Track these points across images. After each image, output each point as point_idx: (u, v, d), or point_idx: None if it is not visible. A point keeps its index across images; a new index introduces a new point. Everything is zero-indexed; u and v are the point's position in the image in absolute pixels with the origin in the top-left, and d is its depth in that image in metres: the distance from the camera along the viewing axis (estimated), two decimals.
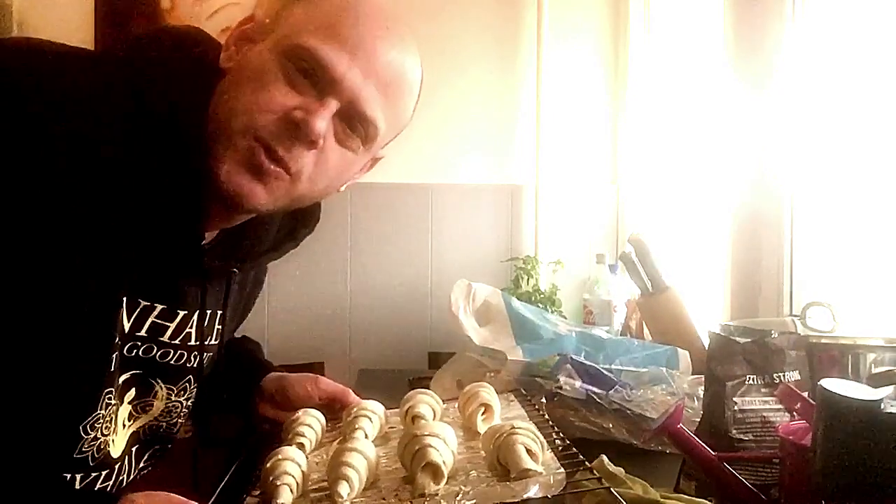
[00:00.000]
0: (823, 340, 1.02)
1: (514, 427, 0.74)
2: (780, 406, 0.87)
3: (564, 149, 2.24)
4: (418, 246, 2.20)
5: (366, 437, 0.86)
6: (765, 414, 0.88)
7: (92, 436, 0.78)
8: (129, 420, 0.85)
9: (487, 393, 0.92)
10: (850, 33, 1.34)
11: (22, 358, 0.70)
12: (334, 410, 1.01)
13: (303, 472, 0.76)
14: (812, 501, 0.70)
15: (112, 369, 0.77)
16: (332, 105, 0.75)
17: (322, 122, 0.74)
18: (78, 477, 0.79)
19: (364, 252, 2.19)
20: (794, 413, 0.83)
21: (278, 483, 0.73)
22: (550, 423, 0.88)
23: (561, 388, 1.19)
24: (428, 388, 1.48)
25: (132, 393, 0.83)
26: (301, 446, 0.85)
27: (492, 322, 1.51)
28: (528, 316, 1.51)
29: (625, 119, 2.22)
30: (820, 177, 1.40)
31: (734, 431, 0.87)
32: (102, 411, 0.78)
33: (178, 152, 0.74)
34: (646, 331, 1.77)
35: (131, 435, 0.86)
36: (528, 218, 2.23)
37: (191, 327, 0.85)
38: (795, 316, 1.23)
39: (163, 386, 0.86)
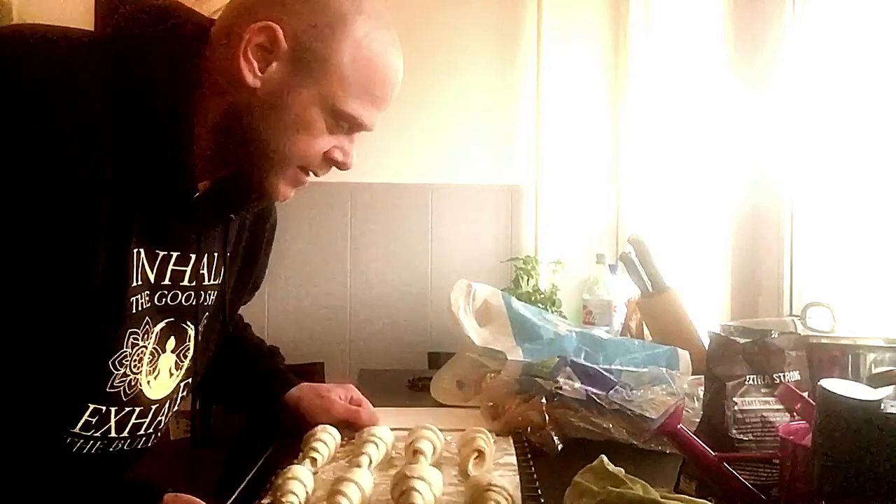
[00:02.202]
0: (823, 340, 1.02)
1: (490, 484, 0.82)
2: (780, 406, 0.87)
3: (564, 149, 2.24)
4: (418, 246, 2.20)
5: (370, 462, 0.95)
6: (765, 414, 0.88)
7: (121, 371, 0.88)
8: (177, 370, 0.97)
9: (483, 439, 0.99)
10: (851, 33, 1.34)
11: (49, 301, 0.79)
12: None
13: (307, 492, 0.85)
14: (812, 501, 0.70)
15: (135, 311, 0.87)
16: (357, 136, 0.94)
17: (354, 157, 0.95)
18: (112, 410, 0.89)
19: (364, 252, 2.19)
20: (794, 413, 0.83)
21: (284, 501, 0.82)
22: (534, 476, 0.94)
23: (561, 388, 1.19)
24: (427, 388, 1.49)
25: (172, 342, 0.95)
26: (314, 461, 0.95)
27: (492, 322, 1.51)
28: (528, 316, 1.51)
29: (625, 119, 2.22)
30: (820, 177, 1.40)
31: (734, 431, 0.87)
32: (128, 350, 0.88)
33: (163, 118, 0.84)
34: (646, 331, 1.77)
35: (177, 386, 0.98)
36: (528, 218, 2.23)
37: (203, 268, 0.97)
38: (795, 316, 1.22)
39: (191, 327, 0.98)
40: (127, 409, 0.91)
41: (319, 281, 2.17)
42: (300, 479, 0.85)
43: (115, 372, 0.88)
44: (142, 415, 0.93)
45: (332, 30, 0.86)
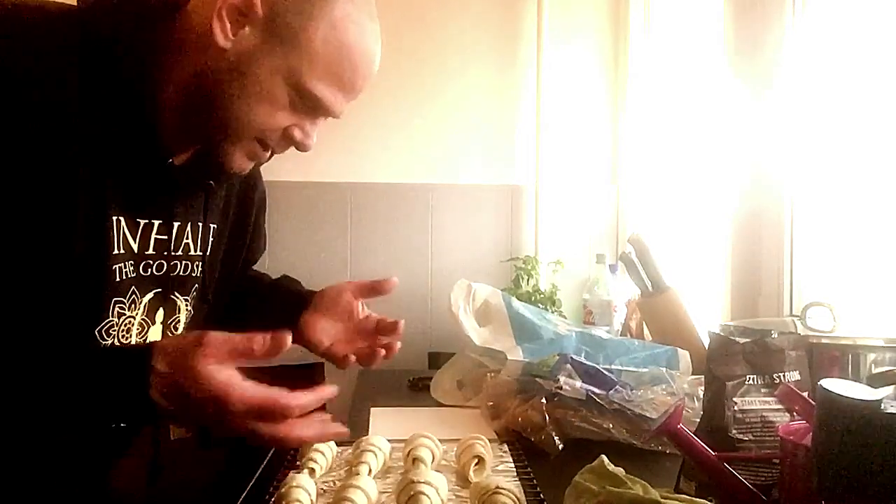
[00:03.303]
0: (823, 340, 1.02)
1: (498, 487, 0.83)
2: (780, 406, 0.87)
3: (564, 149, 2.24)
4: (418, 246, 2.20)
5: (370, 471, 0.96)
6: (765, 414, 0.88)
7: (109, 342, 0.88)
8: (125, 333, 0.93)
9: (482, 445, 1.00)
10: (851, 34, 1.34)
11: (32, 270, 0.80)
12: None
13: (311, 500, 0.86)
14: (812, 501, 0.70)
15: (119, 279, 0.87)
16: (321, 121, 0.92)
17: (313, 140, 0.91)
18: None
19: (364, 252, 2.19)
20: (794, 413, 0.83)
21: None
22: (533, 480, 0.95)
23: (561, 388, 1.19)
24: (427, 388, 1.49)
25: (161, 313, 0.95)
26: (312, 471, 0.95)
27: (492, 322, 1.51)
28: (528, 316, 1.51)
29: (625, 119, 2.22)
30: (820, 177, 1.40)
31: (734, 431, 0.87)
32: (115, 319, 0.89)
33: (128, 80, 0.84)
34: (646, 331, 1.78)
35: None
36: (528, 218, 2.23)
37: (187, 238, 0.97)
38: (795, 316, 1.23)
39: (181, 299, 0.98)
40: None
41: (319, 281, 2.16)
42: (304, 488, 0.85)
43: (103, 342, 0.88)
44: None
45: (311, 5, 0.85)
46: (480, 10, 2.21)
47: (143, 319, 0.92)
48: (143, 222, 0.90)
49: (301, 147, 0.91)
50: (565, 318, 1.85)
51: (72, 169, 0.80)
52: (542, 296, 2.05)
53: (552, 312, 1.90)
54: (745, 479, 0.81)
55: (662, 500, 0.71)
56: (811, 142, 1.40)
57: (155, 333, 0.94)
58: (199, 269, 1.00)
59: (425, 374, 1.63)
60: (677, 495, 0.74)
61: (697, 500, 0.72)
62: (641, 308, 1.75)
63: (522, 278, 2.09)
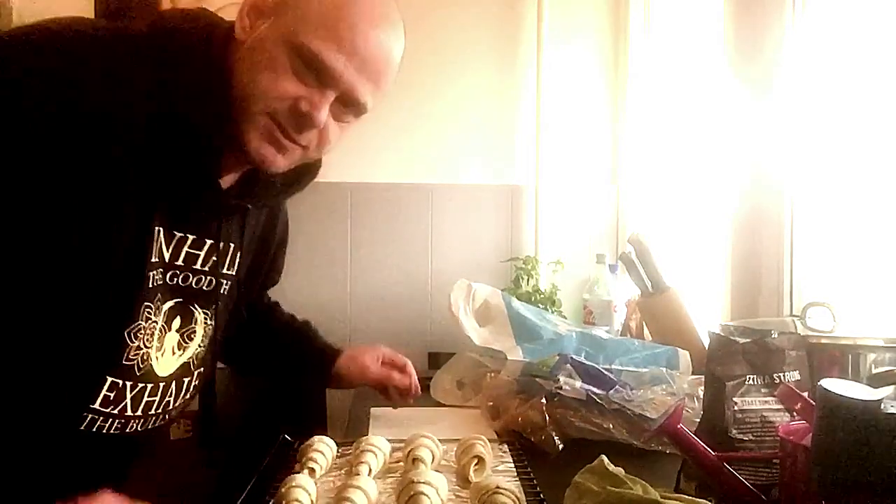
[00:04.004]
0: (823, 340, 1.02)
1: (498, 487, 0.83)
2: (780, 406, 0.87)
3: (564, 149, 2.24)
4: (418, 246, 2.20)
5: (370, 471, 0.96)
6: (765, 414, 0.88)
7: (136, 344, 0.91)
8: (179, 349, 0.99)
9: (482, 445, 1.00)
10: (851, 34, 1.34)
11: (72, 269, 0.83)
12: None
13: (312, 499, 0.86)
14: (812, 501, 0.70)
15: (150, 286, 0.91)
16: (331, 95, 0.90)
17: (323, 113, 0.90)
18: (128, 385, 0.92)
19: (364, 252, 2.19)
20: (794, 413, 0.83)
21: None
22: (533, 480, 0.95)
23: (561, 388, 1.19)
24: (427, 388, 1.49)
25: (178, 321, 0.98)
26: (312, 471, 0.96)
27: (492, 322, 1.51)
28: (528, 316, 1.51)
29: (625, 119, 2.22)
30: (820, 177, 1.40)
31: (734, 431, 0.87)
32: (143, 323, 0.91)
33: (199, 110, 0.88)
34: (646, 331, 1.77)
35: (182, 365, 0.99)
36: (528, 218, 2.23)
37: (216, 256, 1.00)
38: (795, 316, 1.22)
39: (200, 311, 1.00)
40: (140, 385, 0.93)
41: (319, 281, 2.17)
42: (304, 487, 0.85)
43: (130, 344, 0.90)
44: (152, 392, 0.96)
45: None
46: (480, 11, 2.21)
47: (162, 325, 0.95)
48: (178, 235, 0.94)
49: (310, 120, 0.89)
50: (565, 318, 1.85)
51: (125, 177, 0.84)
52: (542, 296, 2.05)
53: (552, 312, 1.90)
54: (745, 479, 0.81)
55: (662, 500, 0.71)
56: (811, 142, 1.40)
57: (171, 340, 0.97)
58: (225, 286, 1.03)
59: (425, 374, 1.63)
60: (677, 495, 0.75)
61: (697, 500, 0.72)
62: (641, 308, 1.75)
63: (522, 278, 2.09)
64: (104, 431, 0.92)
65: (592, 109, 2.26)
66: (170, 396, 0.99)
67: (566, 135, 2.24)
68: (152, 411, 0.97)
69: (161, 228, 0.91)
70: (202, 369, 1.04)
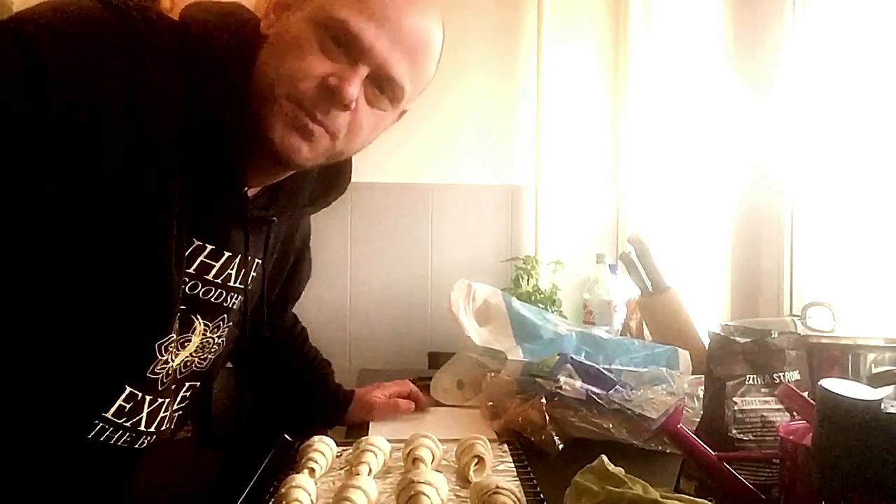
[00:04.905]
0: (823, 340, 1.02)
1: (498, 487, 0.83)
2: (780, 406, 0.87)
3: (564, 149, 2.24)
4: (418, 246, 2.20)
5: (370, 471, 0.96)
6: (765, 414, 0.88)
7: (164, 358, 0.89)
8: (175, 351, 0.94)
9: (482, 445, 0.99)
10: (851, 34, 1.34)
11: (113, 281, 0.80)
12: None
13: (312, 500, 0.85)
14: (812, 501, 0.70)
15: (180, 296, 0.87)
16: (363, 70, 0.84)
17: (354, 88, 0.83)
18: (147, 398, 0.90)
19: (364, 252, 2.19)
20: (794, 413, 0.83)
21: None
22: (533, 480, 0.95)
23: (561, 388, 1.19)
24: (427, 388, 1.49)
25: (175, 327, 0.92)
26: (312, 471, 0.95)
27: (492, 322, 1.51)
28: (528, 316, 1.51)
29: (625, 119, 2.22)
30: (820, 177, 1.40)
31: (734, 431, 0.87)
32: (175, 335, 0.89)
33: (227, 113, 0.83)
34: (646, 331, 1.77)
35: (173, 369, 0.95)
36: (528, 218, 2.23)
37: (232, 269, 0.95)
38: (795, 316, 1.22)
39: (201, 321, 0.96)
40: (159, 399, 0.92)
41: (320, 281, 2.17)
42: (304, 487, 0.85)
43: (159, 357, 0.88)
44: (168, 406, 0.94)
45: None
46: (480, 11, 2.21)
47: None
48: (197, 243, 0.90)
49: (339, 95, 0.82)
50: (565, 318, 1.85)
51: (169, 185, 0.81)
52: (542, 296, 2.05)
53: (552, 312, 1.90)
54: (745, 479, 0.81)
55: (662, 500, 0.71)
56: (811, 142, 1.40)
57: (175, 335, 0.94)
58: (235, 301, 0.98)
59: (425, 374, 1.63)
60: (677, 495, 0.74)
61: (697, 500, 0.72)
62: (641, 308, 1.75)
63: (522, 278, 2.09)
64: (111, 443, 0.89)
65: (592, 109, 2.26)
66: (166, 411, 0.96)
67: (566, 135, 2.24)
68: (164, 427, 0.95)
69: (184, 237, 0.87)
70: (190, 382, 1.00)
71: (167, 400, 0.94)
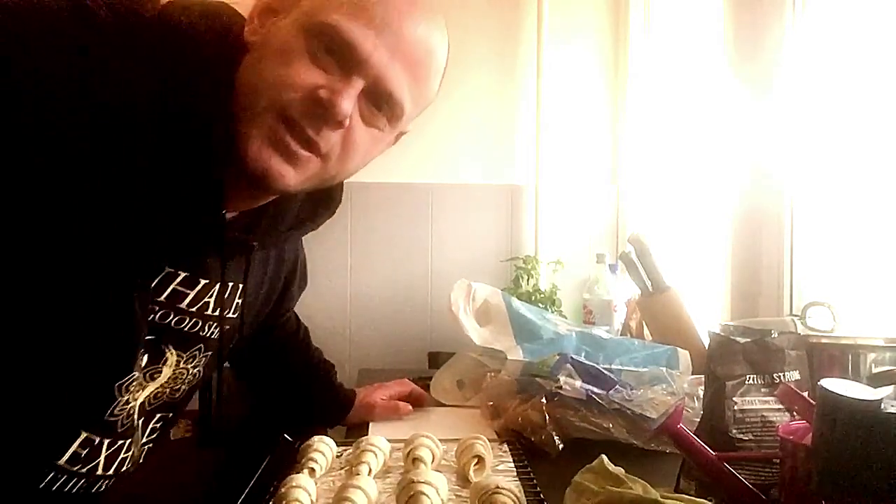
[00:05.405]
0: (823, 340, 1.02)
1: (498, 487, 0.82)
2: (780, 406, 0.87)
3: (564, 149, 2.24)
4: (418, 246, 2.20)
5: (370, 471, 0.96)
6: (765, 414, 0.88)
7: (124, 399, 0.80)
8: (139, 388, 0.85)
9: (482, 445, 0.99)
10: (851, 34, 1.34)
11: (66, 316, 0.71)
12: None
13: (311, 500, 0.85)
14: (812, 501, 0.70)
15: (145, 331, 0.78)
16: (358, 84, 0.74)
17: (348, 103, 0.73)
18: (105, 442, 0.81)
19: (364, 252, 2.19)
20: (794, 413, 0.83)
21: None
22: (533, 480, 0.95)
23: (561, 388, 1.19)
24: (427, 388, 1.49)
25: (144, 360, 0.83)
26: (312, 471, 0.95)
27: (492, 322, 1.51)
28: (528, 316, 1.51)
29: (625, 119, 2.22)
30: (820, 177, 1.40)
31: (734, 431, 0.87)
32: (137, 373, 0.80)
33: (202, 125, 0.73)
34: (646, 331, 1.77)
35: (139, 404, 0.86)
36: (528, 218, 2.23)
37: (210, 297, 0.85)
38: (795, 316, 1.22)
39: (174, 352, 0.86)
40: (120, 441, 0.83)
41: (319, 281, 2.17)
42: (304, 487, 0.85)
43: (119, 398, 0.79)
44: (129, 447, 0.85)
45: None
46: (480, 11, 2.21)
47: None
48: (168, 270, 0.80)
49: (331, 111, 0.72)
50: (565, 317, 1.85)
51: (136, 205, 0.71)
52: (542, 296, 2.05)
53: (552, 312, 1.90)
54: (745, 478, 0.81)
55: (662, 500, 0.71)
56: (811, 142, 1.40)
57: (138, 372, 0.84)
58: (214, 330, 0.89)
59: (425, 373, 1.63)
60: (677, 495, 0.74)
61: (697, 500, 0.72)
62: (641, 308, 1.75)
63: (522, 278, 2.09)
64: (65, 491, 0.79)
65: (592, 109, 2.26)
66: (134, 446, 0.87)
67: (566, 135, 2.24)
68: (125, 468, 0.86)
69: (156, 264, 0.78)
70: (161, 413, 0.91)
71: (128, 441, 0.84)
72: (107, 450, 0.81)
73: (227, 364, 1.01)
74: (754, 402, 0.89)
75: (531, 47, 2.21)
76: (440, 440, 1.04)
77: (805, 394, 0.82)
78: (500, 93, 2.23)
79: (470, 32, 2.20)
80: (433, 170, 2.21)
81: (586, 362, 1.27)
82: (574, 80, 2.24)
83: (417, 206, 2.20)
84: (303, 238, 1.13)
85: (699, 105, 1.84)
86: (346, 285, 2.19)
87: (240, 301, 0.92)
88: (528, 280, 2.09)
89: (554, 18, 2.20)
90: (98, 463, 0.81)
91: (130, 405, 0.81)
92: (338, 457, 1.04)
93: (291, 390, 1.32)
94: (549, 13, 2.19)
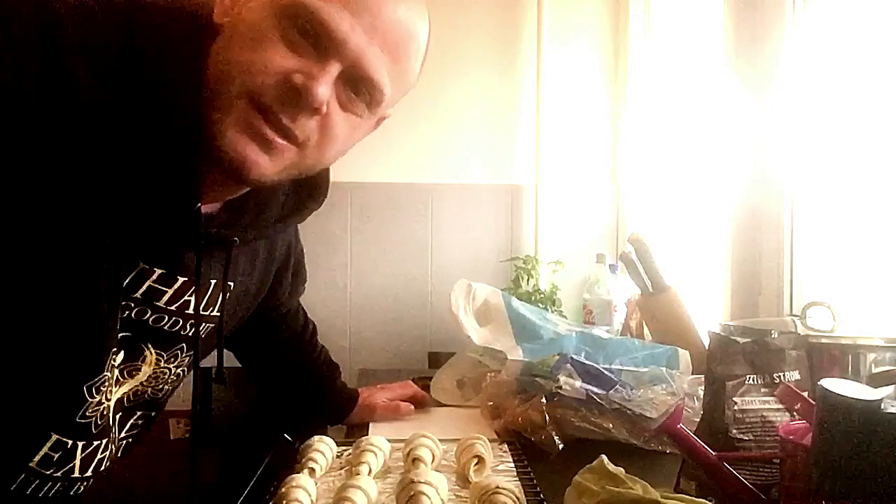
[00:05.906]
0: (823, 340, 1.02)
1: (498, 487, 0.83)
2: (780, 406, 0.87)
3: (564, 149, 2.24)
4: (418, 246, 2.20)
5: (370, 471, 0.96)
6: (765, 414, 0.88)
7: (97, 400, 0.77)
8: (115, 385, 0.83)
9: (482, 445, 0.99)
10: (851, 33, 1.34)
11: (31, 316, 0.69)
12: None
13: (312, 499, 0.85)
14: (812, 501, 0.70)
15: (117, 329, 0.76)
16: (334, 68, 0.71)
17: (324, 88, 0.70)
18: (80, 445, 0.79)
19: (364, 252, 2.19)
20: (794, 413, 0.83)
21: None
22: (533, 480, 0.95)
23: (561, 388, 1.19)
24: (427, 388, 1.49)
25: (120, 356, 0.81)
26: (312, 471, 0.95)
27: (492, 322, 1.51)
28: (528, 316, 1.51)
29: (625, 119, 2.22)
30: (820, 177, 1.40)
31: (734, 431, 0.87)
32: (108, 373, 0.77)
33: (172, 113, 0.70)
34: (646, 331, 1.77)
35: (116, 401, 0.84)
36: (528, 218, 2.23)
37: (190, 295, 0.82)
38: (795, 316, 1.22)
39: (153, 351, 0.84)
40: (95, 443, 0.80)
41: (319, 281, 2.17)
42: (304, 487, 0.85)
43: (90, 400, 0.76)
44: (106, 447, 0.83)
45: None
46: (480, 11, 2.21)
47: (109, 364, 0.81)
48: (142, 266, 0.77)
49: (306, 96, 0.69)
50: (565, 317, 1.85)
51: (101, 199, 0.69)
52: (542, 296, 2.05)
53: (552, 312, 1.90)
54: (745, 479, 0.81)
55: (662, 500, 0.71)
56: (811, 141, 1.40)
57: (110, 372, 0.81)
58: (193, 328, 0.86)
59: (425, 373, 1.63)
60: (677, 495, 0.74)
61: (697, 500, 0.72)
62: (641, 308, 1.75)
63: (522, 278, 2.09)
64: (41, 495, 0.77)
65: (592, 109, 2.26)
66: (112, 443, 0.85)
67: (566, 135, 2.24)
68: (103, 468, 0.84)
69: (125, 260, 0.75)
70: (143, 411, 0.90)
71: (104, 441, 0.82)
72: (82, 452, 0.80)
73: (226, 364, 1.01)
74: (754, 402, 0.89)
75: (531, 47, 2.21)
76: (440, 440, 1.03)
77: (805, 394, 0.82)
78: (500, 93, 2.23)
79: (470, 32, 2.20)
80: (433, 170, 2.21)
81: (586, 362, 1.27)
82: (574, 79, 2.24)
83: (417, 206, 2.20)
84: (302, 238, 1.12)
85: (699, 105, 1.84)
86: (346, 285, 2.19)
87: (222, 297, 0.88)
88: (528, 280, 2.09)
89: (554, 19, 2.21)
90: (73, 465, 0.79)
91: (104, 405, 0.79)
92: (338, 457, 1.04)
93: (295, 388, 1.32)
94: (549, 13, 2.19)
